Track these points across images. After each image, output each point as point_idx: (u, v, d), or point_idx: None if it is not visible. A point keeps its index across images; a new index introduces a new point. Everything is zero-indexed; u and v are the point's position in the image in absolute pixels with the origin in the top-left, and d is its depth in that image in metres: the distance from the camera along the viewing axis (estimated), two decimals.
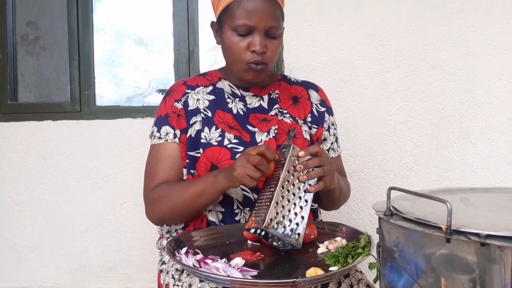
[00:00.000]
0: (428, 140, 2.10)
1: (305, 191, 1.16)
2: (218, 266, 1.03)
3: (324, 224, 1.34)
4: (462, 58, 2.07)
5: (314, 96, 1.50)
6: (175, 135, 1.36)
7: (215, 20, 1.39)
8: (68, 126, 2.17)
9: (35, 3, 2.26)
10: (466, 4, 2.06)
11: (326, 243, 1.18)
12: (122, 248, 2.19)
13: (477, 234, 0.75)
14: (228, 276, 0.99)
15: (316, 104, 1.48)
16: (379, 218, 0.95)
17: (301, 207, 1.15)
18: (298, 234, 1.14)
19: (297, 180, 1.15)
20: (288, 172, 1.14)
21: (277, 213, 1.10)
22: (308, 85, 1.53)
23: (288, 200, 1.13)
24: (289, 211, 1.13)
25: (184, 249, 1.14)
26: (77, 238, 2.19)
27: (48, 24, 2.27)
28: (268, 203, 1.10)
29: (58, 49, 2.26)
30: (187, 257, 1.10)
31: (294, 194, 1.15)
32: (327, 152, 1.48)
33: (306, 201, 1.16)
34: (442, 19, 2.07)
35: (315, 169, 1.15)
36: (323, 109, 1.49)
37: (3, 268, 2.22)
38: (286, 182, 1.13)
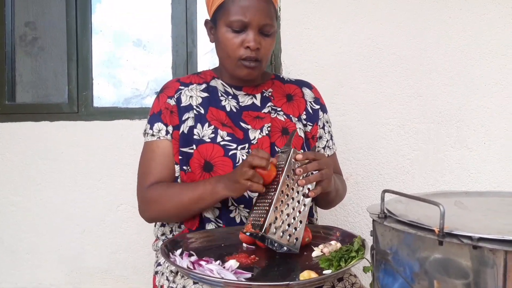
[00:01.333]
0: (424, 144, 2.10)
1: (303, 195, 1.16)
2: (212, 268, 1.03)
3: (319, 228, 1.34)
4: (459, 62, 2.08)
5: (308, 94, 1.51)
6: (167, 132, 1.36)
7: (209, 18, 1.40)
8: (66, 127, 2.17)
9: (34, 3, 2.26)
10: (463, 9, 2.07)
11: (320, 246, 1.18)
12: (118, 249, 2.19)
13: (469, 237, 0.75)
14: (222, 278, 0.99)
15: (310, 102, 1.49)
16: (373, 220, 0.95)
17: (299, 211, 1.15)
18: (296, 238, 1.13)
19: (296, 184, 1.15)
20: (288, 176, 1.13)
21: (276, 218, 1.10)
22: (301, 83, 1.53)
23: (287, 205, 1.13)
24: (288, 215, 1.13)
25: (179, 251, 1.14)
26: (73, 239, 2.19)
27: (46, 24, 2.27)
28: (267, 208, 1.10)
29: (56, 50, 2.26)
30: (182, 258, 1.09)
31: (293, 198, 1.14)
32: (323, 150, 1.48)
33: (305, 205, 1.16)
34: (440, 24, 2.08)
35: (314, 172, 1.15)
36: (317, 106, 1.49)
37: None
38: (286, 186, 1.13)
